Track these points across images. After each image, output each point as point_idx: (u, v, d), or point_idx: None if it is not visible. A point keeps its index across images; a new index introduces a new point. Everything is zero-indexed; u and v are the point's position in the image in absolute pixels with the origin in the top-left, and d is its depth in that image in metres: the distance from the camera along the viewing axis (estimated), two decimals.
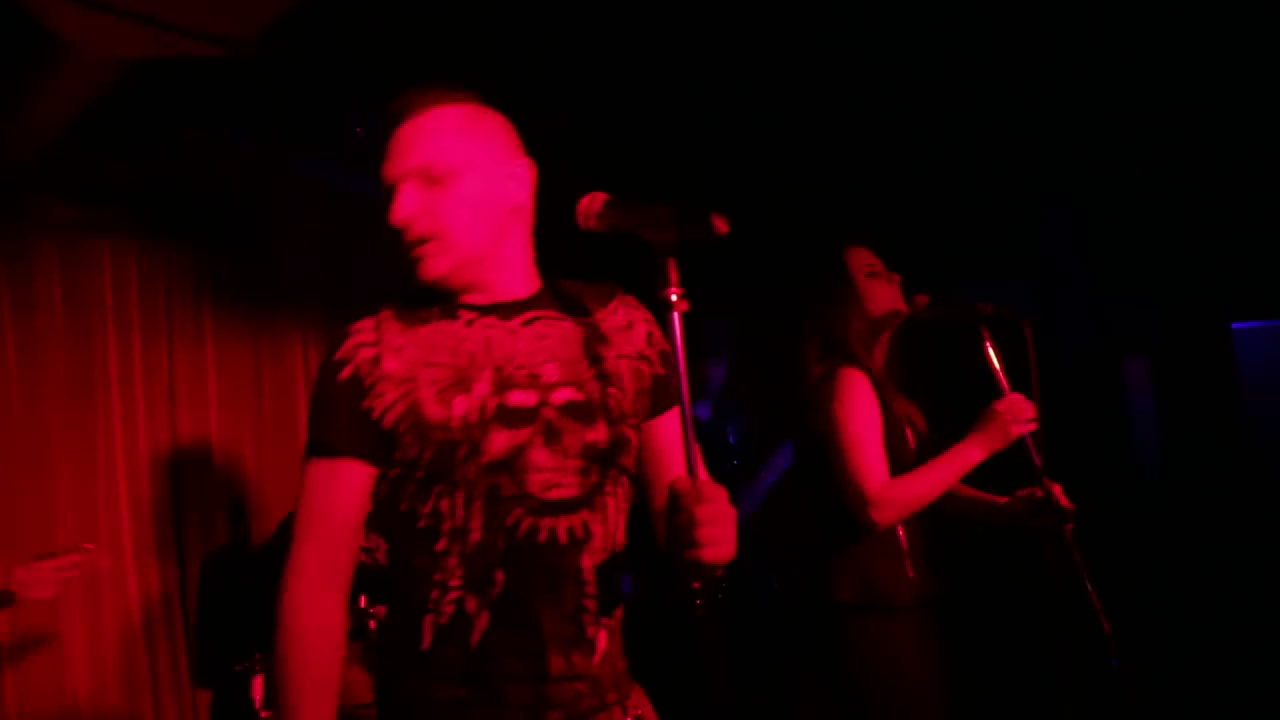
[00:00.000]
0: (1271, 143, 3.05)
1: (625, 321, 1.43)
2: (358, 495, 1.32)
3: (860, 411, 2.09)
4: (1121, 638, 1.93)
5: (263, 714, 2.38)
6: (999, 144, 3.62)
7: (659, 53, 2.96)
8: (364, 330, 1.33)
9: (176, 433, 3.43)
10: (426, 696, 1.27)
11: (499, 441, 1.26)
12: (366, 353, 1.31)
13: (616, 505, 1.36)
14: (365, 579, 2.38)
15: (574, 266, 1.50)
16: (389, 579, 1.34)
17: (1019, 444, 2.05)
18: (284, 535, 2.90)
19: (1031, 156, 3.68)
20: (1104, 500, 3.02)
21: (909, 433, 2.15)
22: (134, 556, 3.24)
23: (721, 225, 1.17)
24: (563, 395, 1.32)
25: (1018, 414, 2.04)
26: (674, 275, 1.17)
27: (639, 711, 1.35)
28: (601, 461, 1.33)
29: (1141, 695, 1.95)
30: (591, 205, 1.28)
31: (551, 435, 1.29)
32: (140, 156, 3.29)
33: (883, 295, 2.23)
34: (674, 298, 1.16)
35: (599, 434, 1.32)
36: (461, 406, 1.27)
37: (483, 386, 1.28)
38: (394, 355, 1.30)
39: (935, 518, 2.19)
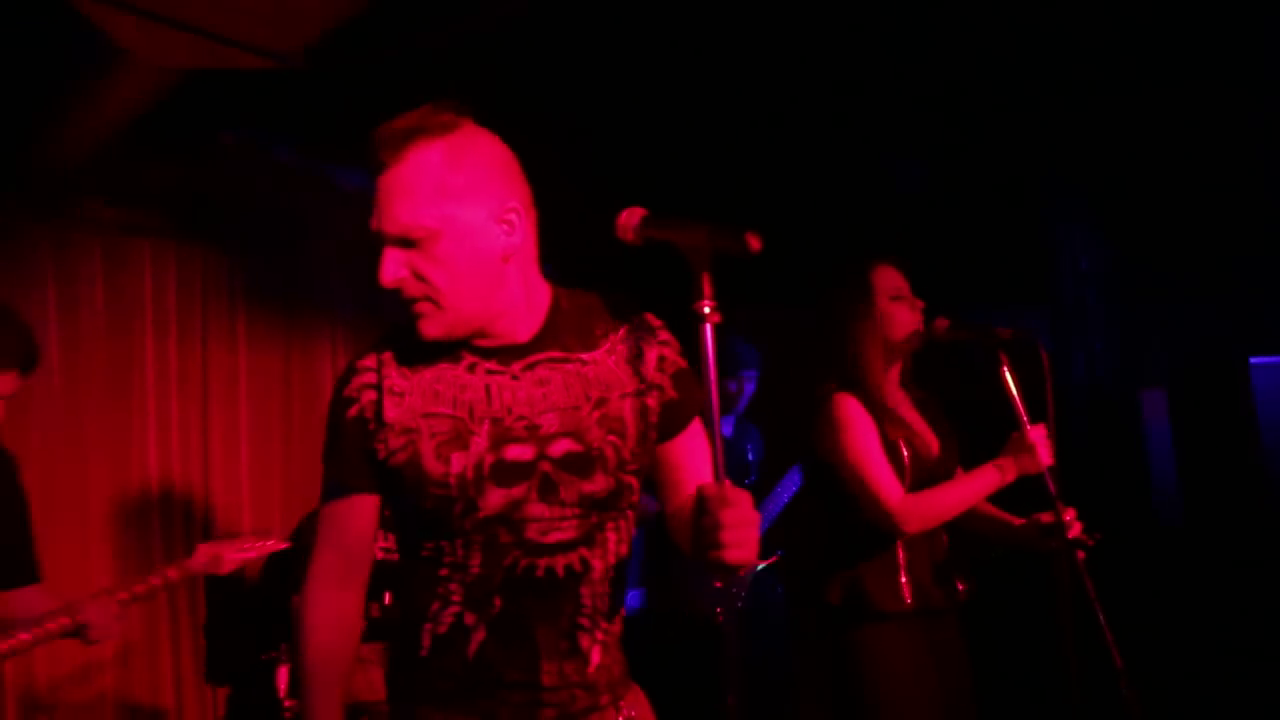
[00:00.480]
0: None
1: (634, 350, 1.41)
2: (372, 517, 1.40)
3: (856, 433, 2.17)
4: (1132, 667, 1.96)
5: (286, 703, 2.44)
6: (1019, 177, 3.67)
7: (692, 81, 3.02)
8: (367, 370, 1.36)
9: (208, 428, 3.52)
10: (430, 686, 1.34)
11: (494, 499, 1.29)
12: (370, 395, 1.34)
13: (619, 537, 1.39)
14: (390, 577, 2.43)
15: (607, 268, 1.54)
16: (396, 580, 1.43)
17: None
18: (305, 532, 2.98)
19: (1051, 190, 3.72)
20: (1121, 531, 3.05)
21: (904, 452, 2.20)
22: (162, 548, 3.31)
23: (755, 242, 1.23)
24: (561, 447, 1.32)
25: (1049, 442, 2.08)
26: (708, 289, 1.21)
27: (633, 712, 1.40)
28: (600, 508, 1.35)
29: None
30: (630, 219, 1.33)
31: (548, 489, 1.31)
32: (182, 160, 3.38)
33: (904, 320, 2.26)
34: (706, 310, 1.20)
35: (596, 485, 1.33)
36: (459, 464, 1.29)
37: (480, 441, 1.30)
38: (396, 402, 1.33)
39: (951, 533, 2.24)
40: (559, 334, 1.39)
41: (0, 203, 3.10)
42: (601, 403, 1.36)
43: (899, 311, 2.26)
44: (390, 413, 1.32)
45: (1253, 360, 2.96)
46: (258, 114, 3.38)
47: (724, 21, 2.71)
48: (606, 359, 1.39)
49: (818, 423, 2.24)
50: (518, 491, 1.30)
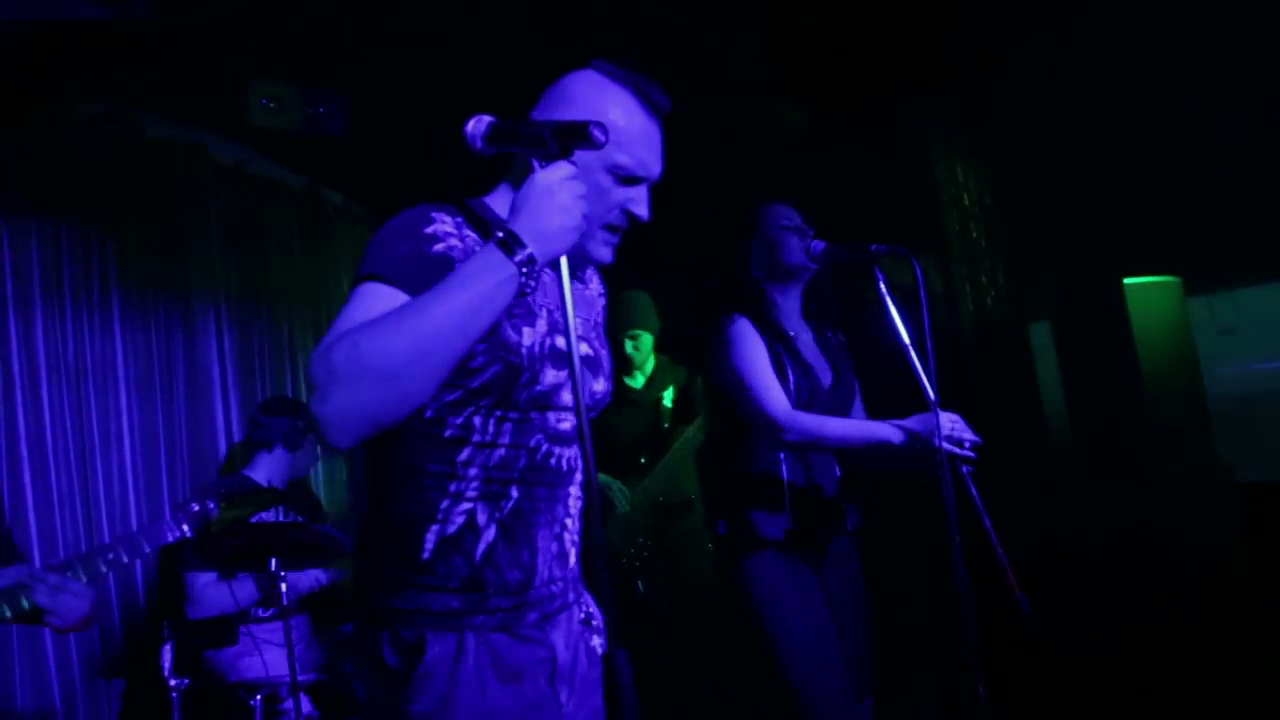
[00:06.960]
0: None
1: (598, 291, 1.63)
2: None
3: (744, 349, 2.24)
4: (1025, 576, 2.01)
5: (170, 682, 2.33)
6: (902, 120, 3.72)
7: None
8: (448, 224, 1.35)
9: (84, 417, 3.34)
10: (420, 607, 1.34)
11: (549, 377, 1.39)
12: (456, 243, 1.34)
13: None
14: (281, 542, 2.36)
15: None
16: (386, 488, 1.38)
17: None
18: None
19: (937, 130, 3.79)
20: (1015, 458, 3.13)
21: (790, 375, 2.26)
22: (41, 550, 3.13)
23: (600, 135, 1.23)
24: (583, 348, 1.49)
25: (951, 433, 2.06)
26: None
27: (590, 608, 1.53)
28: (594, 408, 1.51)
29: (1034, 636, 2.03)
30: (477, 127, 1.29)
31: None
32: (29, 130, 3.19)
33: (794, 246, 2.32)
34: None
35: (601, 386, 1.53)
36: (529, 337, 1.37)
37: (543, 323, 1.40)
38: None
39: (845, 467, 2.29)
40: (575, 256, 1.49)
41: None
42: (595, 323, 1.58)
43: (788, 238, 2.33)
44: None
45: (1126, 281, 3.05)
46: (122, 83, 3.22)
47: None
48: (585, 288, 1.59)
49: (710, 346, 2.30)
50: (562, 375, 1.41)
